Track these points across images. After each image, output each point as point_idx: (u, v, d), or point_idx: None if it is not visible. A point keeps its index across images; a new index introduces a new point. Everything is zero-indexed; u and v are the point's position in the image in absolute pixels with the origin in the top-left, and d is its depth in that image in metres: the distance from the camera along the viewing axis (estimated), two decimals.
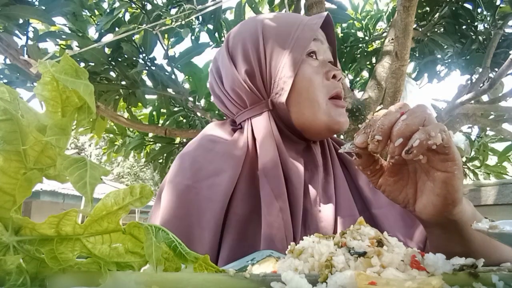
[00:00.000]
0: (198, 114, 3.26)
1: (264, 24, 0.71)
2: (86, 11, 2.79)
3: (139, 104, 3.06)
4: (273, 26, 0.71)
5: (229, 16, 3.11)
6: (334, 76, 0.69)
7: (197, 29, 2.99)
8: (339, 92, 0.69)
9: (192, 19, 2.55)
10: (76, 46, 2.63)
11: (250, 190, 0.63)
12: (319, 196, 0.64)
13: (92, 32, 2.93)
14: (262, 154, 0.64)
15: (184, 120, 3.47)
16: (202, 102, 3.19)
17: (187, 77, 3.19)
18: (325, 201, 0.64)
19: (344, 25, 3.50)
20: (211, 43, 3.02)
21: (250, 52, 0.70)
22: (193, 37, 2.97)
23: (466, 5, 2.87)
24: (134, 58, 2.76)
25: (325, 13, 0.73)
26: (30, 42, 2.39)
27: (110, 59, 2.68)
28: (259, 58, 0.70)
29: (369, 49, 3.58)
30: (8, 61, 2.57)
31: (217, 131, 0.74)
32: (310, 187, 0.65)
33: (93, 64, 2.63)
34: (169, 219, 0.59)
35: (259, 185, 0.62)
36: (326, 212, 0.63)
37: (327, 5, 2.63)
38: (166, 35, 2.87)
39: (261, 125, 0.68)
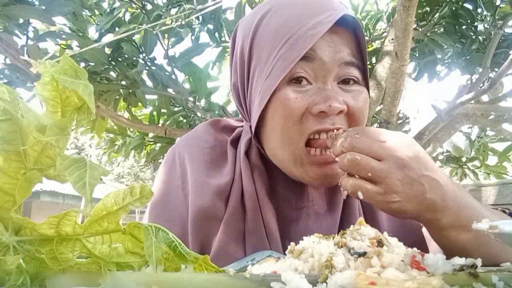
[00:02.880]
0: (198, 114, 3.26)
1: (257, 27, 0.58)
2: (86, 11, 2.79)
3: (139, 104, 3.07)
4: (264, 32, 0.57)
5: (229, 16, 3.10)
6: (322, 111, 0.52)
7: (197, 29, 2.99)
8: (323, 129, 0.53)
9: (192, 19, 2.55)
10: (76, 46, 2.63)
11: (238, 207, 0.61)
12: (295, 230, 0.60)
13: (92, 32, 2.94)
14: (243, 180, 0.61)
15: (184, 120, 3.47)
16: (202, 102, 3.19)
17: (187, 77, 3.19)
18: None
19: None
20: (211, 43, 3.02)
21: (238, 61, 0.61)
22: (193, 37, 2.97)
23: (466, 5, 2.87)
24: (134, 58, 2.76)
25: (336, 15, 0.53)
26: (30, 42, 2.39)
27: (110, 59, 2.68)
28: (243, 71, 0.60)
29: (369, 49, 3.58)
30: (8, 61, 2.57)
31: (210, 131, 0.71)
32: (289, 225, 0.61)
33: (93, 64, 2.63)
34: (155, 216, 0.63)
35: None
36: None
37: None
38: (166, 35, 2.87)
39: (242, 149, 0.63)
